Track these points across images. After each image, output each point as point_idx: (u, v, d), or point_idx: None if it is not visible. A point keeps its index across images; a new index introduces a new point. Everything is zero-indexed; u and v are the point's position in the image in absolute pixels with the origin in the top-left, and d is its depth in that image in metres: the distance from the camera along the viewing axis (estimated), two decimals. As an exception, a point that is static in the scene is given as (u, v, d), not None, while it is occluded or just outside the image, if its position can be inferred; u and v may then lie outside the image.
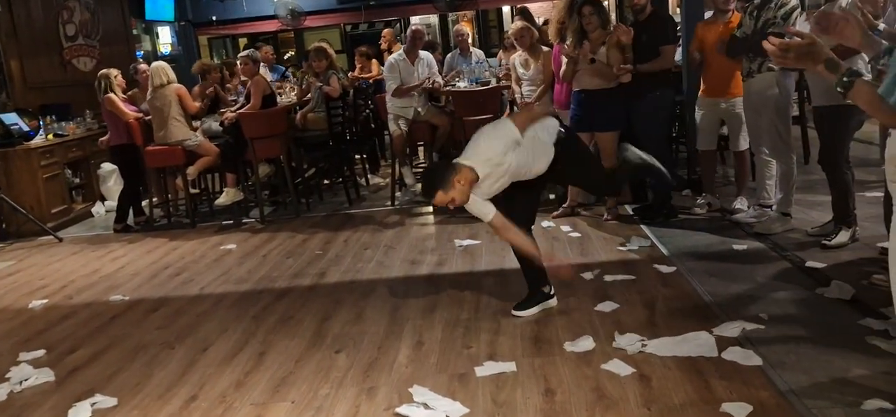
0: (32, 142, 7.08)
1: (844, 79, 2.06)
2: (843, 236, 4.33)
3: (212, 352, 3.72)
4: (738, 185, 5.45)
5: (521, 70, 6.07)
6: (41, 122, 7.41)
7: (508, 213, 3.53)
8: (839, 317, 3.38)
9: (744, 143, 5.21)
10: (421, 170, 7.69)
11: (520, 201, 3.72)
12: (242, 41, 13.29)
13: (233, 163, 6.87)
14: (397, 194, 6.91)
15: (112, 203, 7.45)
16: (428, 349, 3.47)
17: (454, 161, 3.46)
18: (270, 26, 12.04)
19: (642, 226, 5.23)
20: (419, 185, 7.10)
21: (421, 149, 8.28)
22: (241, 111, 6.65)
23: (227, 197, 6.83)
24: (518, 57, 6.10)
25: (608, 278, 4.22)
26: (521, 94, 6.10)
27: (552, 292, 3.83)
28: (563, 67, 5.37)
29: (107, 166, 7.79)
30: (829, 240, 4.35)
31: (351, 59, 11.58)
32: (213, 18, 11.74)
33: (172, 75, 6.63)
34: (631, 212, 5.63)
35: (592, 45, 5.20)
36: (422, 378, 3.17)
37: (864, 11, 3.88)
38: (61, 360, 3.82)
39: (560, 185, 5.75)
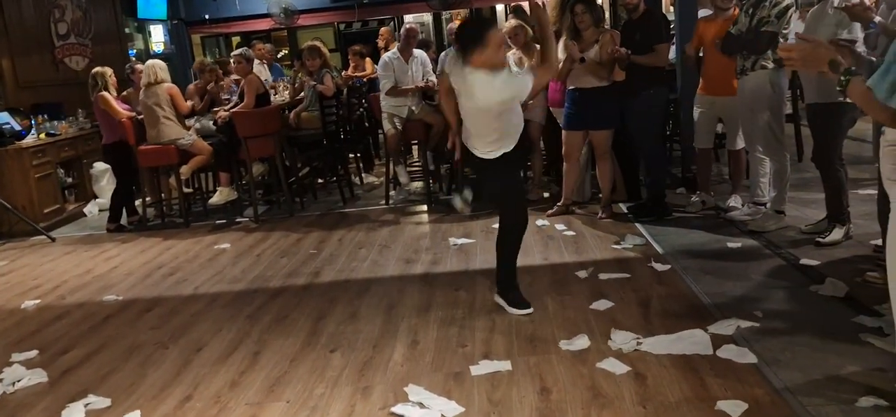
0: (24, 141, 7.04)
1: (842, 77, 2.08)
2: (836, 233, 4.35)
3: (206, 352, 3.71)
4: (732, 184, 5.46)
5: (515, 68, 6.05)
6: (33, 122, 7.36)
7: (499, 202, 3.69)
8: (833, 315, 3.39)
9: (740, 142, 5.21)
10: (415, 169, 7.69)
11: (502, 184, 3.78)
12: (236, 40, 13.25)
13: (226, 162, 6.85)
14: (392, 193, 6.90)
15: (105, 202, 7.42)
16: (423, 348, 3.47)
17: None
18: (263, 25, 12.01)
19: (637, 224, 5.24)
20: (413, 184, 7.09)
21: (415, 147, 8.27)
22: (234, 110, 6.63)
23: (220, 196, 6.82)
24: (512, 55, 6.08)
25: (603, 276, 4.22)
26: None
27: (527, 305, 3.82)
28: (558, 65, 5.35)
29: (99, 165, 7.75)
30: (823, 238, 4.36)
31: (344, 57, 11.57)
32: (206, 17, 11.70)
33: (165, 75, 6.59)
34: (625, 210, 5.63)
35: (585, 44, 5.19)
36: (417, 377, 3.16)
37: (859, 7, 3.90)
38: (54, 361, 3.80)
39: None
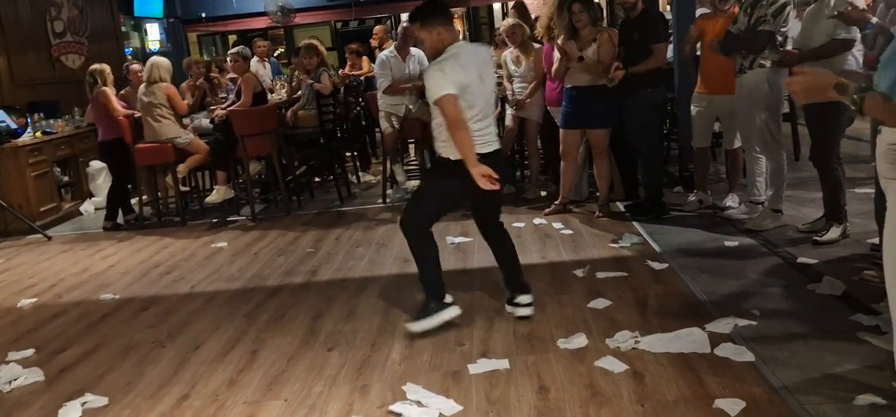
0: (20, 139, 7.01)
1: (855, 96, 2.09)
2: (834, 232, 4.35)
3: (203, 351, 3.70)
4: (730, 182, 5.46)
5: (512, 67, 6.07)
6: (29, 120, 7.34)
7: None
8: (830, 313, 3.40)
9: (737, 141, 5.22)
10: (412, 167, 7.69)
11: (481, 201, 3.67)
12: (232, 38, 13.24)
13: (223, 160, 6.84)
14: (389, 192, 6.90)
15: (101, 201, 7.40)
16: (421, 346, 3.46)
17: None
18: (260, 23, 12.02)
19: (634, 223, 5.24)
20: (410, 183, 7.09)
21: (412, 146, 8.27)
22: (231, 108, 6.61)
23: (217, 194, 6.80)
24: (509, 54, 6.10)
25: (600, 275, 4.22)
26: (513, 91, 6.10)
27: (452, 301, 3.67)
28: (556, 65, 5.36)
29: (96, 164, 7.73)
30: (821, 236, 4.37)
31: (341, 56, 11.57)
32: (203, 15, 11.70)
33: (166, 75, 6.57)
34: (623, 209, 5.63)
35: (582, 43, 5.19)
36: (415, 375, 3.16)
37: (855, 12, 3.91)
38: (51, 359, 3.79)
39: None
